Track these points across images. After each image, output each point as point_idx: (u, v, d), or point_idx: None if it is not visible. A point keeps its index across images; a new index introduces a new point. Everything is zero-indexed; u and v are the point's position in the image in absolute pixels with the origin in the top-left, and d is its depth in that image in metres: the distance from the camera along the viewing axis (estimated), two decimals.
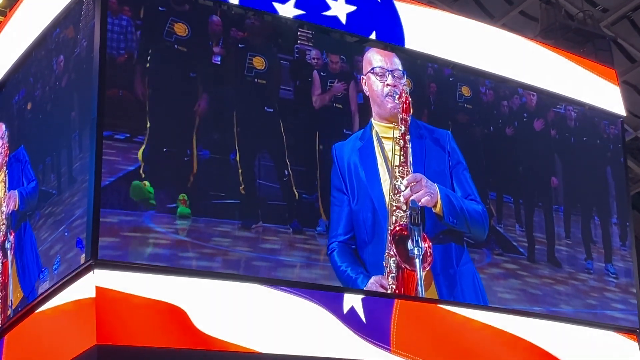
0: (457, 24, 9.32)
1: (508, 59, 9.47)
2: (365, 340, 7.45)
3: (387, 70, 8.32)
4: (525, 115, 9.43)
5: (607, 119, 10.07)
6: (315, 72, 8.04)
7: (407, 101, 8.24)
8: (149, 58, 7.21)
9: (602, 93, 10.24)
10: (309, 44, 8.07)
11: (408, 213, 7.97)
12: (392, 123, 8.23)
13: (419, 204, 8.02)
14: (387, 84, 8.26)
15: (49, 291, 7.15)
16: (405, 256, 7.86)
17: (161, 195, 6.97)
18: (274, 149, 7.65)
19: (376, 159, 8.11)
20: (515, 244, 8.85)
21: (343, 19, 8.27)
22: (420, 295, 7.91)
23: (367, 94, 8.26)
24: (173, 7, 7.42)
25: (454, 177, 8.40)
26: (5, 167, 8.52)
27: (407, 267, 7.83)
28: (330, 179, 7.89)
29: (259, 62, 7.75)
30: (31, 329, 7.41)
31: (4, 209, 8.42)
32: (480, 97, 9.10)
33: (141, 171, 6.94)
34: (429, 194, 8.06)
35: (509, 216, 8.92)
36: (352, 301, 7.53)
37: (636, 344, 9.23)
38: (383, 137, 8.19)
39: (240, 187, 7.38)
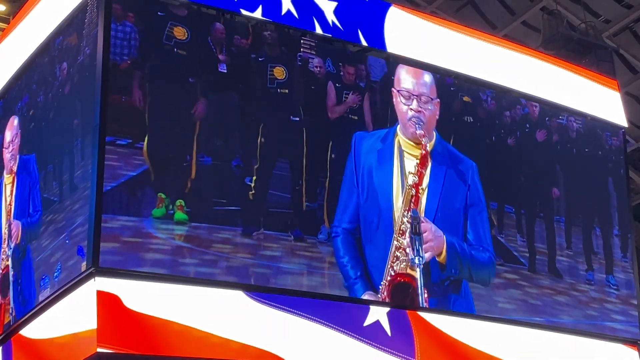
0: (459, 34, 9.32)
1: (510, 70, 9.47)
2: (388, 353, 7.45)
3: (413, 95, 8.37)
4: (527, 126, 9.42)
5: (609, 130, 10.06)
6: (330, 82, 8.07)
7: (426, 151, 8.24)
8: (149, 63, 7.22)
9: (604, 104, 10.23)
10: (312, 52, 8.09)
11: (410, 223, 7.96)
12: (412, 142, 8.27)
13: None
14: (411, 109, 8.30)
15: (49, 298, 7.13)
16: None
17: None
18: (294, 158, 7.70)
19: (392, 169, 8.14)
20: (516, 254, 8.82)
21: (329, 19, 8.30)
22: (421, 305, 7.91)
23: (395, 106, 8.36)
24: (171, 11, 7.43)
25: (470, 217, 8.39)
26: (15, 172, 8.46)
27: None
28: (346, 164, 7.92)
29: (279, 72, 7.80)
30: (30, 337, 7.38)
31: (5, 230, 8.37)
32: (483, 107, 9.11)
33: (152, 180, 7.00)
34: (433, 249, 8.03)
35: (510, 226, 8.90)
36: (378, 314, 7.54)
37: (636, 353, 9.21)
38: (405, 150, 8.23)
39: (250, 193, 7.39)
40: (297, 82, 7.96)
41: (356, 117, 8.13)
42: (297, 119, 7.83)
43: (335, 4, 8.32)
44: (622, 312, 9.32)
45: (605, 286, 9.37)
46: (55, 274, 7.19)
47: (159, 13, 7.37)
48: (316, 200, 7.73)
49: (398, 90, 8.39)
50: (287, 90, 7.83)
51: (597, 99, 10.20)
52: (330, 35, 8.22)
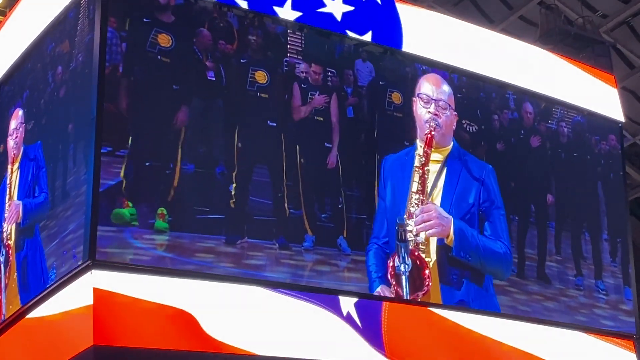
0: (456, 27, 9.29)
1: (507, 64, 9.42)
2: (366, 342, 7.49)
3: (432, 99, 8.49)
4: (522, 132, 9.36)
5: (598, 134, 9.99)
6: (295, 83, 7.98)
7: (431, 134, 8.35)
8: (133, 70, 7.14)
9: (601, 98, 10.20)
10: (299, 57, 8.02)
11: (396, 230, 7.98)
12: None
13: (427, 233, 8.10)
14: (429, 111, 8.43)
15: (46, 291, 7.13)
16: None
17: (143, 210, 6.89)
18: (273, 164, 7.63)
19: (412, 174, 8.25)
20: None
21: (339, 18, 8.26)
22: (404, 296, 7.89)
23: (415, 112, 8.49)
24: (157, 17, 7.34)
25: (487, 214, 8.50)
26: (19, 160, 8.39)
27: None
28: (378, 188, 8.10)
29: (261, 76, 7.73)
30: (27, 330, 7.40)
31: (7, 214, 8.34)
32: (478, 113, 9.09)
33: (123, 189, 6.88)
34: (439, 226, 8.13)
35: None
36: (347, 305, 7.54)
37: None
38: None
39: (231, 201, 7.32)
40: (282, 87, 7.86)
41: (322, 119, 8.06)
42: (275, 124, 7.75)
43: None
44: (611, 318, 9.26)
45: (594, 291, 9.31)
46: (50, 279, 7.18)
47: (144, 20, 7.28)
48: (300, 207, 7.68)
49: (418, 94, 8.51)
50: (267, 95, 7.74)
51: (595, 94, 10.16)
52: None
